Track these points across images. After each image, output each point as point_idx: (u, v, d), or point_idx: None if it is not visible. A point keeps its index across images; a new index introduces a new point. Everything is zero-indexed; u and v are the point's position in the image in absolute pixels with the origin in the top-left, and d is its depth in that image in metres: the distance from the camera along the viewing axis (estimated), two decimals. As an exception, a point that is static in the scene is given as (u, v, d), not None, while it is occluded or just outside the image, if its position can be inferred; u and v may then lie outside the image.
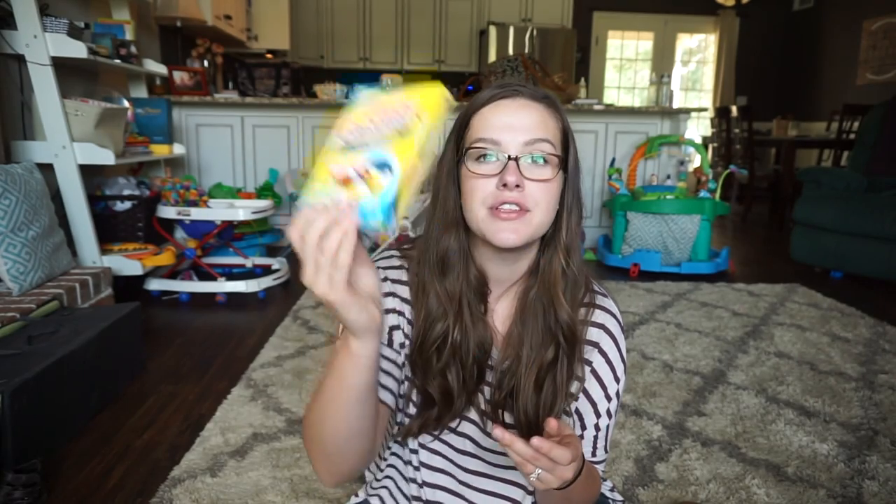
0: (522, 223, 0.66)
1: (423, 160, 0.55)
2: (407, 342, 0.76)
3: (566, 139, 0.71)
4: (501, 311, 0.77)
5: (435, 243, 0.72)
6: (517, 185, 0.65)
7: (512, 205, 0.66)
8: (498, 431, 0.57)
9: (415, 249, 0.77)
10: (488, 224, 0.67)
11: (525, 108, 0.68)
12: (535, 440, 0.56)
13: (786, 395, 1.89)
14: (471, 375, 0.73)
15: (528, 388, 0.72)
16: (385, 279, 0.76)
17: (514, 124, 0.67)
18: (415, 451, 0.80)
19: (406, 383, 0.78)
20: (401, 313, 0.75)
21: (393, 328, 0.75)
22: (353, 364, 0.60)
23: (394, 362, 0.76)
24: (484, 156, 0.67)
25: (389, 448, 0.85)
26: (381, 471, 0.86)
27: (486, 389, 0.76)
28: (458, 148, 0.71)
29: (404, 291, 0.76)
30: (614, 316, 0.77)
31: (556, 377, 0.72)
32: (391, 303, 0.75)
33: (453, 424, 0.77)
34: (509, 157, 0.66)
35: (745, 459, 1.51)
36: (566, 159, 0.70)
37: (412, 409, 0.78)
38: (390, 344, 0.75)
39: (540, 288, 0.72)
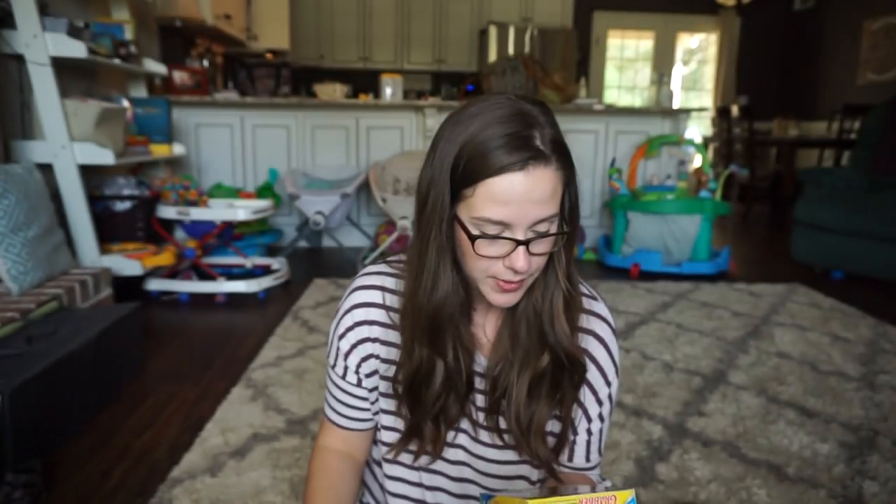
0: (522, 288, 0.66)
1: None
2: (383, 367, 0.76)
3: (569, 183, 0.65)
4: (488, 318, 0.76)
5: (427, 292, 0.67)
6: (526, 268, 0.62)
7: (516, 277, 0.64)
8: None
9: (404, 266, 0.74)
10: (487, 288, 0.66)
11: (538, 180, 0.59)
12: None
13: (786, 395, 1.88)
14: (462, 384, 0.72)
15: (520, 395, 0.71)
16: (361, 305, 0.75)
17: (524, 203, 0.59)
18: (415, 469, 0.81)
19: (380, 414, 0.79)
20: (377, 340, 0.75)
21: (365, 358, 0.76)
22: None
23: (366, 399, 0.79)
24: (491, 236, 0.61)
25: (371, 471, 0.87)
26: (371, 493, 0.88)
27: (479, 397, 0.75)
28: (452, 191, 0.62)
29: (380, 316, 0.75)
30: (604, 320, 0.76)
31: (558, 395, 0.72)
32: (367, 332, 0.75)
33: (449, 438, 0.77)
34: (518, 242, 0.61)
35: (746, 460, 1.51)
36: (566, 210, 0.66)
37: (385, 436, 0.79)
38: (367, 375, 0.77)
39: (530, 308, 0.70)
